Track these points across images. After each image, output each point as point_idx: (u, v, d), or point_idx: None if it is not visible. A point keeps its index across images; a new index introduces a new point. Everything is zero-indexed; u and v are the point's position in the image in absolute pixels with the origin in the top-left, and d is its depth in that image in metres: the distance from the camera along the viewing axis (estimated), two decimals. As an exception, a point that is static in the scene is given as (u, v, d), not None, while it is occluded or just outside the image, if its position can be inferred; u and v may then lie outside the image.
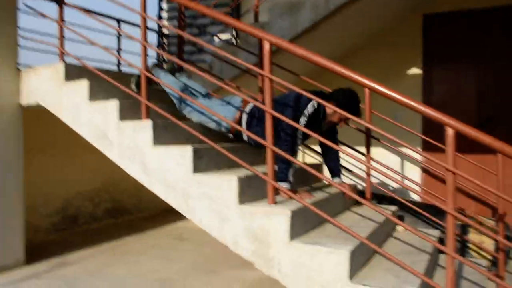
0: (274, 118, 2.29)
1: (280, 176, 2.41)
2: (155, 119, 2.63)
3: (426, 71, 4.38)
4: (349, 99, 2.59)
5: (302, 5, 3.51)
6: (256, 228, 2.17)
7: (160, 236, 4.37)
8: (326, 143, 2.28)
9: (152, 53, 5.91)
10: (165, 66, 3.29)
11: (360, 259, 2.10)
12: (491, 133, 3.70)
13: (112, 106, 2.74)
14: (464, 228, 3.15)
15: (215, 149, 2.47)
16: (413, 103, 1.89)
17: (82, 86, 2.91)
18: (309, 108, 2.56)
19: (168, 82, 2.99)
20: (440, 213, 3.24)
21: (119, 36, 4.86)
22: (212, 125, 2.88)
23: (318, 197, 2.55)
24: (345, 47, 4.59)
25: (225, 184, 2.26)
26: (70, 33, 3.17)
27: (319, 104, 2.59)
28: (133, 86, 3.05)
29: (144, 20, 2.68)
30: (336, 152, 2.93)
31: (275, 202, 2.22)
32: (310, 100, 2.57)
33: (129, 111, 2.78)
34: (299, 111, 2.55)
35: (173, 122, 2.57)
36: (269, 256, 2.13)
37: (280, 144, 2.46)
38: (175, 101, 2.98)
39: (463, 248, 3.09)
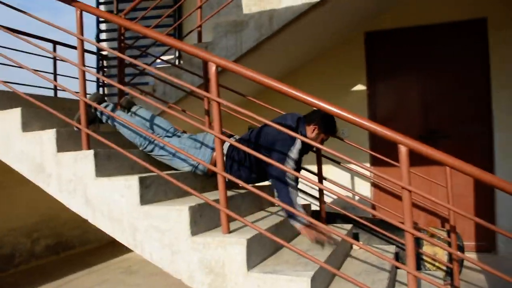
0: (260, 153, 2.23)
1: (296, 220, 2.34)
2: (97, 148, 2.45)
3: (370, 87, 4.50)
4: (327, 118, 2.56)
5: (246, 24, 3.49)
6: (210, 260, 2.05)
7: (107, 270, 4.08)
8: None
9: (92, 77, 5.67)
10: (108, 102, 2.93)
11: (321, 284, 2.04)
12: (434, 145, 3.84)
13: (48, 136, 2.52)
14: (417, 241, 3.20)
15: (162, 177, 2.33)
16: (366, 123, 1.87)
17: (14, 115, 2.66)
18: (297, 144, 2.46)
19: (123, 117, 2.69)
20: (393, 227, 3.29)
21: (55, 60, 4.59)
22: (187, 168, 2.67)
23: (274, 221, 2.47)
24: (291, 64, 4.63)
25: (174, 214, 2.13)
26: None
27: (304, 134, 2.58)
28: (76, 119, 2.67)
29: (81, 42, 2.52)
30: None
31: (229, 231, 2.12)
32: (296, 128, 2.58)
33: (68, 141, 2.57)
34: (287, 149, 2.44)
35: (117, 151, 2.40)
36: (227, 289, 2.01)
37: (279, 190, 2.39)
38: (136, 142, 2.70)
39: (418, 261, 3.12)
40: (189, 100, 3.75)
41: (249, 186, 2.13)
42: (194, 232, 2.12)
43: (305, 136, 2.56)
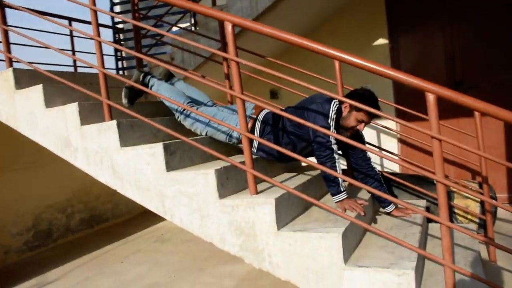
0: (294, 126, 2.25)
1: (332, 192, 2.24)
2: (120, 119, 2.45)
3: (392, 40, 4.33)
4: (366, 97, 2.23)
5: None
6: (240, 221, 2.05)
7: (141, 240, 4.20)
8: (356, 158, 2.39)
9: (110, 52, 5.66)
10: (155, 72, 2.97)
11: (352, 240, 2.03)
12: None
13: (71, 110, 2.53)
14: (448, 194, 3.14)
15: (187, 144, 2.34)
16: (392, 73, 1.78)
17: (36, 92, 2.68)
18: (333, 109, 2.28)
19: (162, 91, 2.67)
20: (423, 181, 3.22)
21: (71, 36, 4.58)
22: (221, 137, 2.61)
23: (301, 180, 2.45)
24: (309, 24, 4.48)
25: (201, 178, 2.13)
26: (20, 38, 2.93)
27: (339, 107, 2.32)
28: (124, 101, 2.73)
29: (95, 13, 2.48)
30: (373, 169, 2.53)
31: (257, 192, 2.11)
32: (331, 100, 2.32)
33: (92, 114, 2.58)
34: (327, 116, 2.27)
35: (140, 119, 2.40)
36: (258, 249, 2.03)
37: (319, 158, 2.26)
38: (174, 112, 2.70)
39: (450, 214, 3.07)
40: (208, 66, 3.71)
41: (285, 150, 2.08)
42: (222, 195, 2.12)
43: (339, 117, 2.32)
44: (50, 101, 2.69)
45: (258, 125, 2.55)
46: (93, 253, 3.94)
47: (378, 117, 2.35)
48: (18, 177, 3.99)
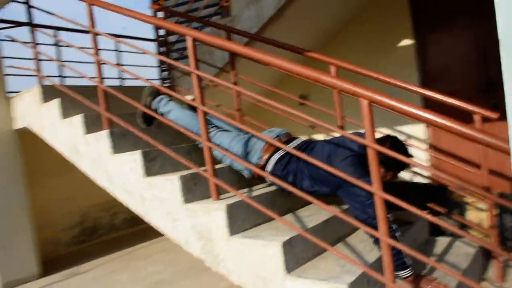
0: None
1: (397, 264, 1.84)
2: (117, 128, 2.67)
3: (418, 39, 4.05)
4: (396, 146, 2.01)
5: (264, -8, 3.41)
6: (200, 226, 2.15)
7: (167, 242, 4.45)
8: None
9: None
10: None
11: (305, 250, 1.99)
12: (496, 98, 3.36)
13: (77, 120, 2.83)
14: (460, 205, 2.91)
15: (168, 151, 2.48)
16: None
17: (54, 105, 3.04)
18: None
19: (175, 119, 2.59)
20: (435, 192, 3.01)
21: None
22: (237, 168, 2.47)
23: (266, 194, 2.37)
24: (327, 26, 4.36)
25: (168, 184, 2.26)
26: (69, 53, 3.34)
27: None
28: (139, 121, 2.82)
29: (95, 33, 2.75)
30: None
31: (219, 198, 2.19)
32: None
33: (96, 124, 2.84)
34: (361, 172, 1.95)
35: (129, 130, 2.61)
36: (214, 253, 2.10)
37: (362, 217, 1.93)
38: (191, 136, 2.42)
39: (462, 227, 2.83)
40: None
41: (306, 196, 1.85)
42: (188, 200, 2.23)
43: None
44: (66, 113, 3.01)
45: (277, 155, 2.31)
46: (126, 250, 4.29)
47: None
48: (66, 180, 4.47)
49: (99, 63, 2.74)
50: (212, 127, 2.58)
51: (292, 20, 3.61)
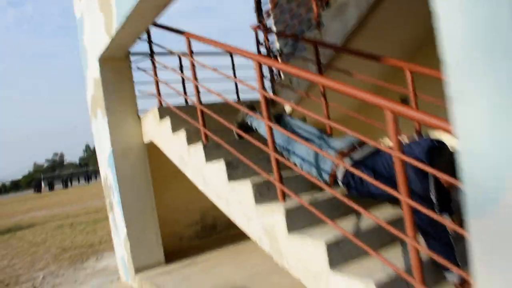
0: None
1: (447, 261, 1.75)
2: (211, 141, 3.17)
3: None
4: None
5: (347, 4, 3.58)
6: (267, 225, 2.48)
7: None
8: None
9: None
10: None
11: (339, 253, 2.14)
12: None
13: (182, 135, 3.43)
14: None
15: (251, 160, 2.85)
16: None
17: (167, 123, 3.70)
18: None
19: (263, 131, 2.97)
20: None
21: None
22: (314, 173, 2.65)
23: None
24: (419, 32, 4.25)
25: (243, 188, 2.64)
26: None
27: None
28: (236, 135, 3.28)
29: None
30: None
31: (284, 201, 2.48)
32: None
33: (196, 137, 3.40)
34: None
35: (220, 143, 3.07)
36: (279, 249, 2.40)
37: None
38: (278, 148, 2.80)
39: None
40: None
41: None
42: (258, 202, 2.58)
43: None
44: (175, 128, 3.65)
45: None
46: (238, 245, 4.82)
47: None
48: (185, 184, 5.17)
49: (196, 84, 3.29)
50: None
51: (377, 28, 3.70)
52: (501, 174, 0.97)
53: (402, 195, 1.73)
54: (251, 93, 6.06)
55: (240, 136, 3.29)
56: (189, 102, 4.29)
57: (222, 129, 3.26)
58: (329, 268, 2.04)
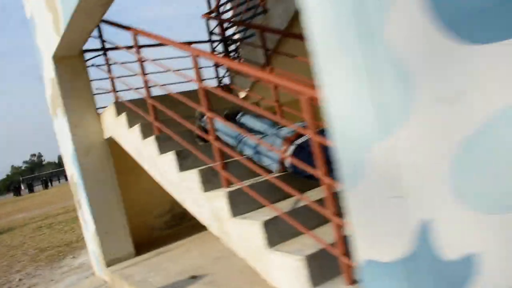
0: None
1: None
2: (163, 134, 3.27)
3: None
4: None
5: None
6: (214, 210, 2.61)
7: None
8: None
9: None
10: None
11: (273, 228, 2.28)
12: None
13: (137, 129, 3.52)
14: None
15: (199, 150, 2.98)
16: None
17: (123, 118, 3.78)
18: None
19: (218, 127, 3.11)
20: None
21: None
22: (266, 163, 2.86)
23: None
24: None
25: (190, 175, 2.77)
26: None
27: None
28: (197, 140, 3.33)
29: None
30: None
31: (228, 186, 2.62)
32: None
33: (151, 131, 3.49)
34: None
35: (171, 135, 3.18)
36: (226, 232, 2.55)
37: None
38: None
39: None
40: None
41: None
42: (206, 189, 2.71)
43: None
44: (132, 123, 3.72)
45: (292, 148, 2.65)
46: (204, 233, 4.95)
47: None
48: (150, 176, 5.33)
49: (145, 77, 3.37)
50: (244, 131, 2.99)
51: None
52: (364, 144, 1.12)
53: (323, 175, 1.88)
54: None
55: (202, 140, 3.32)
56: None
57: (176, 120, 3.34)
58: (267, 246, 2.20)
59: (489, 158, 0.89)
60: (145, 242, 4.92)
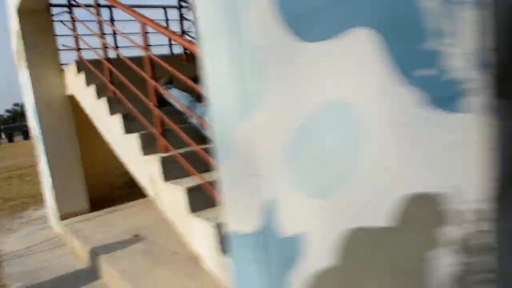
0: None
1: None
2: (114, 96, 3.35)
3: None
4: None
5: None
6: (150, 173, 2.75)
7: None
8: None
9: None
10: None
11: (196, 195, 2.42)
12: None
13: (92, 89, 3.59)
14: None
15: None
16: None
17: (82, 77, 3.84)
18: None
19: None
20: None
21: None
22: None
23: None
24: None
25: (131, 139, 2.88)
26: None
27: None
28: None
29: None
30: None
31: (165, 152, 2.75)
32: None
33: (105, 91, 3.56)
34: None
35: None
36: (159, 194, 2.70)
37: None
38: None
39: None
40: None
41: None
42: (145, 153, 2.83)
43: None
44: (89, 82, 3.78)
45: None
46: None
47: None
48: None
49: (103, 38, 3.42)
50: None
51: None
52: (231, 123, 1.25)
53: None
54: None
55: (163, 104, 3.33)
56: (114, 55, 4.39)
57: (134, 82, 3.37)
58: (189, 211, 2.35)
59: (312, 147, 1.02)
60: (105, 199, 5.06)
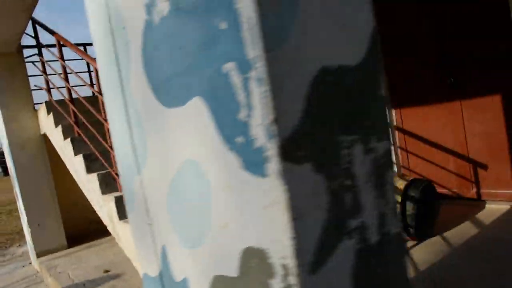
0: None
1: None
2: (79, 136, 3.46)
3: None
4: None
5: None
6: (108, 211, 2.82)
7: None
8: None
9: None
10: None
11: None
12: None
13: (59, 129, 3.69)
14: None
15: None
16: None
17: (50, 117, 3.95)
18: None
19: None
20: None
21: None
22: None
23: None
24: None
25: (93, 179, 2.97)
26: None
27: None
28: None
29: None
30: None
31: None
32: None
33: (72, 132, 3.67)
34: None
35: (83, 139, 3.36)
36: (116, 232, 2.76)
37: None
38: None
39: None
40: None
41: None
42: (104, 192, 2.92)
43: None
44: (57, 122, 3.89)
45: None
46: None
47: None
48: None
49: (65, 78, 3.55)
50: None
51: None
52: (131, 176, 1.33)
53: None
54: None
55: None
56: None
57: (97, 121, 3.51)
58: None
59: (182, 201, 1.09)
60: (82, 235, 5.10)
